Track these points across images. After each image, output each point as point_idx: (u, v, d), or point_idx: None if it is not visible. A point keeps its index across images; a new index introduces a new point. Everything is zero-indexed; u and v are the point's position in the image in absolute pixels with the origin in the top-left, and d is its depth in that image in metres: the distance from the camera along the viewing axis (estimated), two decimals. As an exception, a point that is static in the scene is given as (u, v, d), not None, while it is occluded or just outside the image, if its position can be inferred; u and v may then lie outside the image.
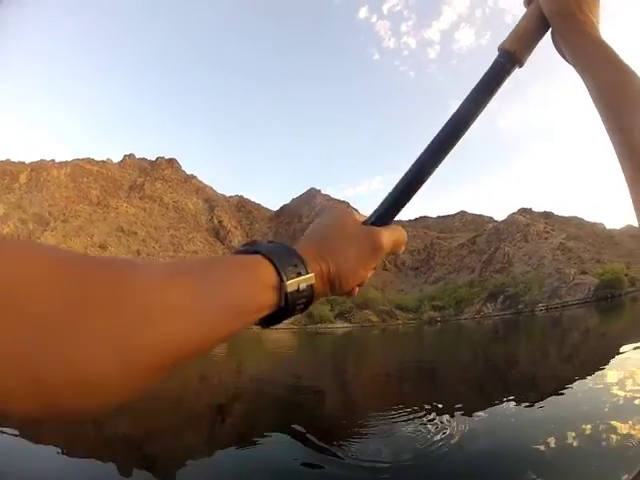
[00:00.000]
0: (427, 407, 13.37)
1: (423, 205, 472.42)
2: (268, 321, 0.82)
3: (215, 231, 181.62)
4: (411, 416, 12.58)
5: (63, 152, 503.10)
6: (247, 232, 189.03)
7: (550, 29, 1.13)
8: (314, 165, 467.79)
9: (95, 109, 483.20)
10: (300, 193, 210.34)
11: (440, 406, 13.41)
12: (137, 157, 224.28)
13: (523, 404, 13.36)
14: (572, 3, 1.05)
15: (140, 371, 0.51)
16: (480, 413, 12.75)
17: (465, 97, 1.10)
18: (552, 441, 9.81)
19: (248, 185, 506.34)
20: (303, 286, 0.78)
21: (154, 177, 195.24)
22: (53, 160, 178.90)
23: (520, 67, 1.10)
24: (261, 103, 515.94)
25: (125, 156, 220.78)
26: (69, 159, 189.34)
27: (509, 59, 1.09)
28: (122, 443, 11.43)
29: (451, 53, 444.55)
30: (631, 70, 0.96)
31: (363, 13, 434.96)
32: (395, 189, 1.08)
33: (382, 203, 1.10)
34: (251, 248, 0.79)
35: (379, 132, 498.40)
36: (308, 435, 11.13)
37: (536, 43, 1.11)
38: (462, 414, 12.50)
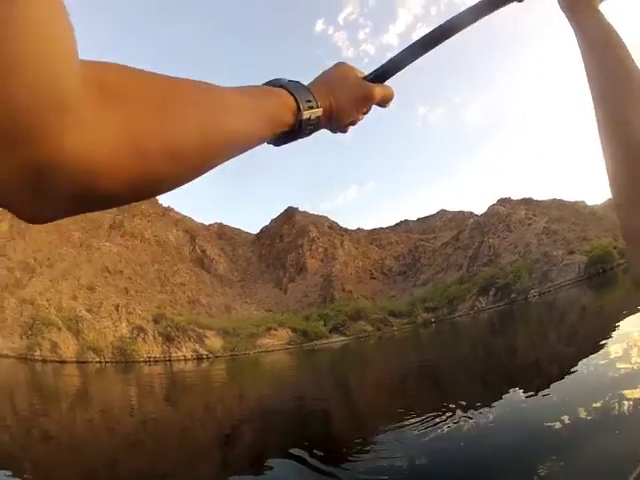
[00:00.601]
0: (435, 410, 13.53)
1: (402, 209, 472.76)
2: (281, 140, 1.02)
3: (199, 261, 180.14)
4: (421, 421, 12.76)
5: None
6: (231, 258, 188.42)
7: None
8: (288, 184, 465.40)
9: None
10: (278, 213, 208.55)
11: (448, 406, 13.63)
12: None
13: (531, 391, 13.67)
14: None
15: (212, 147, 0.67)
16: (490, 406, 13.13)
17: (462, 10, 1.18)
18: (566, 421, 10.17)
19: (226, 212, 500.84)
20: (313, 117, 0.97)
21: (132, 213, 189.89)
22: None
23: (520, 2, 1.20)
24: None
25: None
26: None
27: None
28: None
29: None
30: (621, 38, 1.00)
31: (319, 26, 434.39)
32: (392, 58, 1.26)
33: (380, 66, 1.28)
34: (276, 83, 0.95)
35: (347, 143, 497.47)
36: (317, 456, 11.25)
37: None
38: (472, 411, 12.92)
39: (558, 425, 10.01)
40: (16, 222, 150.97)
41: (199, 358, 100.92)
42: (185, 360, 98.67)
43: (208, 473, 11.57)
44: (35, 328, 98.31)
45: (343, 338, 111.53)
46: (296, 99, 0.93)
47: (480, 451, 9.83)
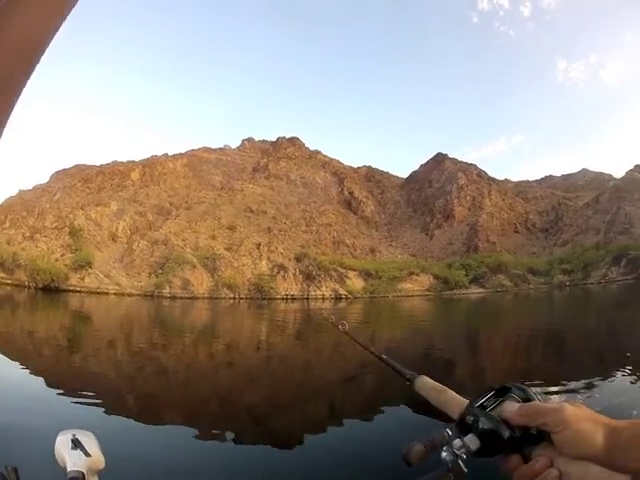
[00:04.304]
0: (549, 379, 14.54)
1: (547, 164, 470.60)
2: None
3: (347, 202, 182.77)
4: (534, 387, 11.54)
5: (174, 147, 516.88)
6: (379, 201, 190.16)
7: None
8: (437, 131, 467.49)
9: (204, 101, 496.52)
10: (427, 159, 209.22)
11: (563, 380, 14.21)
12: (256, 140, 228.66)
13: (638, 377, 13.99)
14: None
15: None
16: (596, 388, 13.14)
17: None
18: None
19: (375, 155, 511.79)
20: None
21: (277, 157, 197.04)
22: (166, 154, 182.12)
23: None
24: (378, 79, 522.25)
25: (244, 140, 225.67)
26: (182, 152, 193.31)
27: None
28: (246, 415, 11.83)
29: (542, 9, 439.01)
30: None
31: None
32: None
33: None
34: None
35: (495, 93, 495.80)
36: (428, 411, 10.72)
37: None
38: (580, 386, 13.24)
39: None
40: (148, 170, 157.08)
41: (337, 298, 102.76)
42: (323, 299, 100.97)
43: (320, 415, 11.86)
44: (167, 267, 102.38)
45: (481, 290, 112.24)
46: None
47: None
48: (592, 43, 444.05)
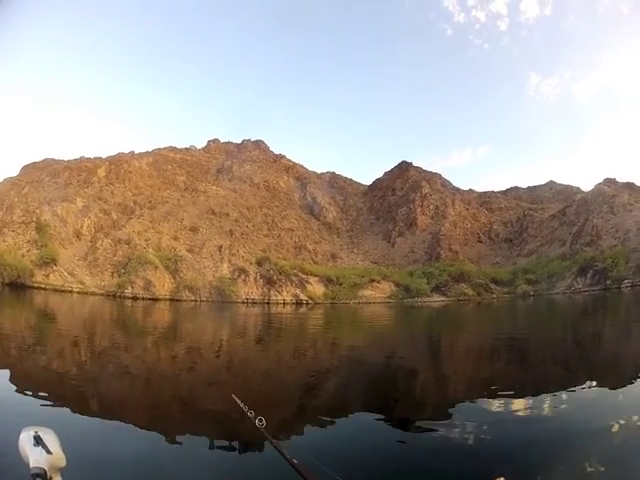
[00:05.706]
0: (514, 388, 14.68)
1: (513, 176, 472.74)
2: None
3: (309, 207, 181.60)
4: (498, 397, 13.40)
5: (141, 145, 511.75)
6: (341, 207, 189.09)
7: None
8: (403, 140, 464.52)
9: (172, 98, 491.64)
10: (391, 167, 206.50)
11: (528, 387, 14.78)
12: (222, 141, 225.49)
13: (604, 387, 14.42)
14: None
15: None
16: (563, 394, 13.47)
17: None
18: (620, 426, 10.23)
19: (339, 161, 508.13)
20: None
21: (242, 159, 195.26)
22: (132, 152, 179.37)
23: None
24: (344, 85, 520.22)
25: (209, 141, 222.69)
26: (149, 150, 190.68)
27: None
28: (211, 418, 11.86)
29: (520, 25, 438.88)
30: None
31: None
32: None
33: None
34: None
35: (463, 104, 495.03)
36: (392, 415, 12.07)
37: None
38: (546, 395, 13.34)
39: (612, 429, 10.03)
40: (114, 168, 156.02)
41: (298, 303, 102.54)
42: (284, 304, 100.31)
43: (282, 420, 11.74)
44: (129, 267, 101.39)
45: (443, 298, 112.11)
46: None
47: (536, 435, 9.98)
48: (568, 60, 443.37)
